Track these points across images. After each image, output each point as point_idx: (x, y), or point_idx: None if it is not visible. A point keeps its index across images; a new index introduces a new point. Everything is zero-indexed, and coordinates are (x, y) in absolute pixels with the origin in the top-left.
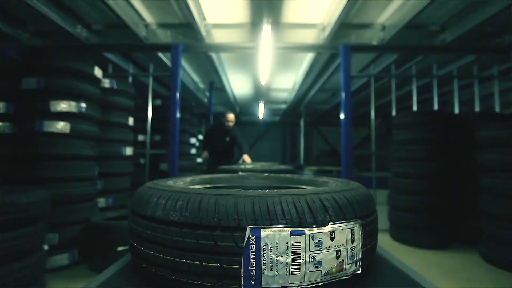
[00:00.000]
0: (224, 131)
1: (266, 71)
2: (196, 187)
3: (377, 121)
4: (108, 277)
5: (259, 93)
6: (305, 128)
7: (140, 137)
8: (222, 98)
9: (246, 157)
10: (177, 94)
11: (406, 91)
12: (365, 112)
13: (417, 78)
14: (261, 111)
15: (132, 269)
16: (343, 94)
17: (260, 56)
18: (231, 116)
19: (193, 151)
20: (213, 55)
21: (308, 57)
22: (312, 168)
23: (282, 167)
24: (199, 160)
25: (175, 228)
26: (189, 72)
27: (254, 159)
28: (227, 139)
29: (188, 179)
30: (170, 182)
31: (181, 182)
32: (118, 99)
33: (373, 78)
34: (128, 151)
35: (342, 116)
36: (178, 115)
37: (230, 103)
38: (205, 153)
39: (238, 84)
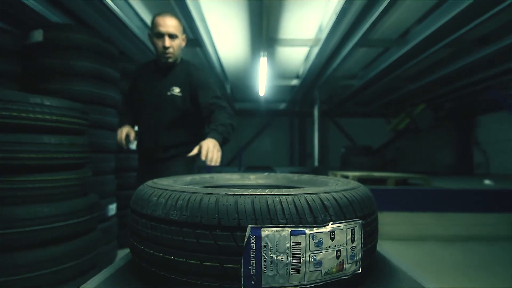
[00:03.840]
0: (161, 71)
1: None
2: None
3: (420, 106)
4: (108, 276)
5: (260, 39)
6: (319, 119)
7: None
8: (199, 62)
9: (208, 143)
10: None
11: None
12: (400, 96)
13: None
14: (262, 79)
15: (132, 269)
16: None
17: None
18: (170, 21)
19: (134, 146)
20: None
21: None
22: (343, 173)
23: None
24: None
25: (175, 228)
26: (134, 6)
27: (253, 161)
28: (172, 91)
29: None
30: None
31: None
32: None
33: None
34: None
35: None
36: None
37: (214, 74)
38: (125, 132)
39: (222, 29)
